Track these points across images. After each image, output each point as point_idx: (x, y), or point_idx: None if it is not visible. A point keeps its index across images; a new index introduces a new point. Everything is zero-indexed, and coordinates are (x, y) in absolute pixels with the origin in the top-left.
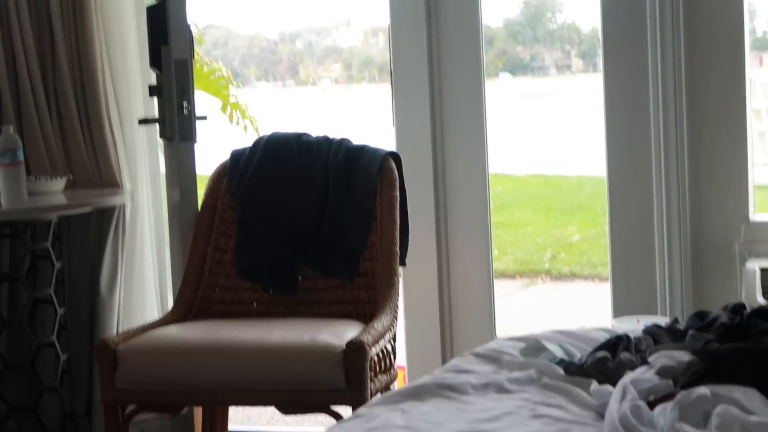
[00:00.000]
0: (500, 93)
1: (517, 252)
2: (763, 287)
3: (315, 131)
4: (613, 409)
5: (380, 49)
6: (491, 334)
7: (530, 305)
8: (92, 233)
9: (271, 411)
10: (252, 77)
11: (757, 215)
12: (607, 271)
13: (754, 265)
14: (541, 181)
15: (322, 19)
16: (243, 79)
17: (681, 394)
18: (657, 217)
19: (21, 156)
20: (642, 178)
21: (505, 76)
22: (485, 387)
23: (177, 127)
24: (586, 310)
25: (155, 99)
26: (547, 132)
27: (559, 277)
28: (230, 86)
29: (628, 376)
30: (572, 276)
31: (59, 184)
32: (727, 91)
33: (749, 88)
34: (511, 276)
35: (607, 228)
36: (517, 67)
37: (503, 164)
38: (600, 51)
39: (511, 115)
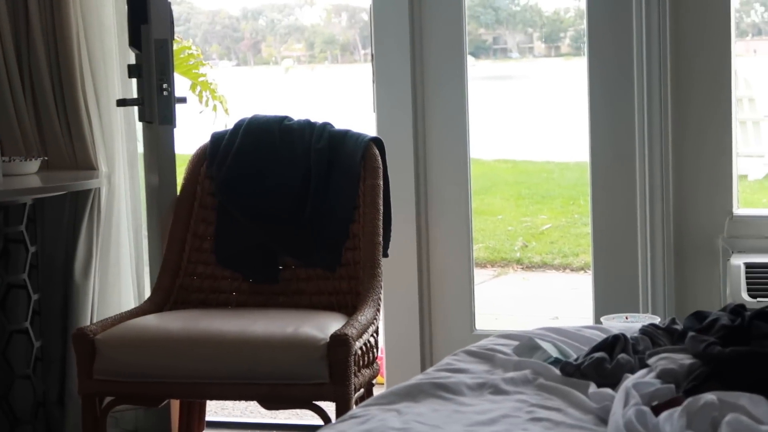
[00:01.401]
0: None
1: (488, 240)
2: (747, 283)
3: (287, 112)
4: (618, 415)
5: (343, 27)
6: (470, 324)
7: (502, 294)
8: (66, 217)
9: (245, 402)
10: (214, 55)
11: (740, 210)
12: (578, 261)
13: (739, 261)
14: (510, 166)
15: None
16: (205, 56)
17: (688, 401)
18: (640, 211)
19: None
20: (625, 171)
21: (467, 59)
22: (480, 387)
23: (157, 109)
24: (559, 300)
25: (134, 80)
26: (513, 116)
27: (530, 266)
28: (200, 66)
29: (630, 380)
30: (543, 265)
31: (33, 165)
32: (713, 84)
33: (735, 80)
34: (482, 265)
35: (590, 221)
36: (480, 50)
37: (472, 148)
38: (585, 37)
39: (476, 99)
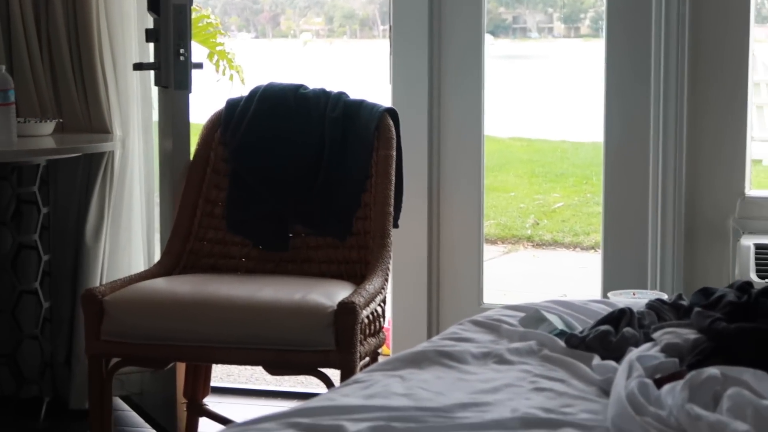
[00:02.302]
0: None
1: (500, 217)
2: (756, 264)
3: (312, 83)
4: (620, 386)
5: (362, 2)
6: (478, 297)
7: (512, 271)
8: (79, 179)
9: (251, 368)
10: (233, 26)
11: (752, 191)
12: (589, 240)
13: (749, 242)
14: (525, 144)
15: None
16: (224, 28)
17: (690, 374)
18: (652, 191)
19: (12, 96)
20: (639, 150)
21: (486, 37)
22: (485, 357)
23: (173, 74)
24: (568, 278)
25: (151, 45)
26: (530, 95)
27: (541, 244)
28: (218, 35)
29: (634, 353)
30: (554, 243)
31: (48, 127)
32: (730, 67)
33: (752, 62)
34: (493, 241)
35: (601, 198)
36: (499, 29)
37: (487, 126)
38: (604, 16)
39: (493, 77)
